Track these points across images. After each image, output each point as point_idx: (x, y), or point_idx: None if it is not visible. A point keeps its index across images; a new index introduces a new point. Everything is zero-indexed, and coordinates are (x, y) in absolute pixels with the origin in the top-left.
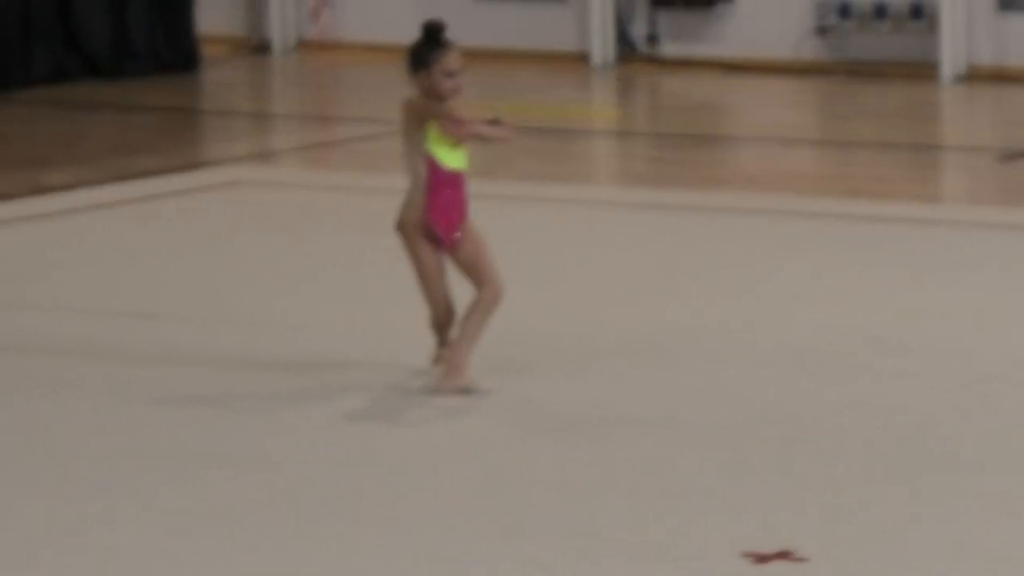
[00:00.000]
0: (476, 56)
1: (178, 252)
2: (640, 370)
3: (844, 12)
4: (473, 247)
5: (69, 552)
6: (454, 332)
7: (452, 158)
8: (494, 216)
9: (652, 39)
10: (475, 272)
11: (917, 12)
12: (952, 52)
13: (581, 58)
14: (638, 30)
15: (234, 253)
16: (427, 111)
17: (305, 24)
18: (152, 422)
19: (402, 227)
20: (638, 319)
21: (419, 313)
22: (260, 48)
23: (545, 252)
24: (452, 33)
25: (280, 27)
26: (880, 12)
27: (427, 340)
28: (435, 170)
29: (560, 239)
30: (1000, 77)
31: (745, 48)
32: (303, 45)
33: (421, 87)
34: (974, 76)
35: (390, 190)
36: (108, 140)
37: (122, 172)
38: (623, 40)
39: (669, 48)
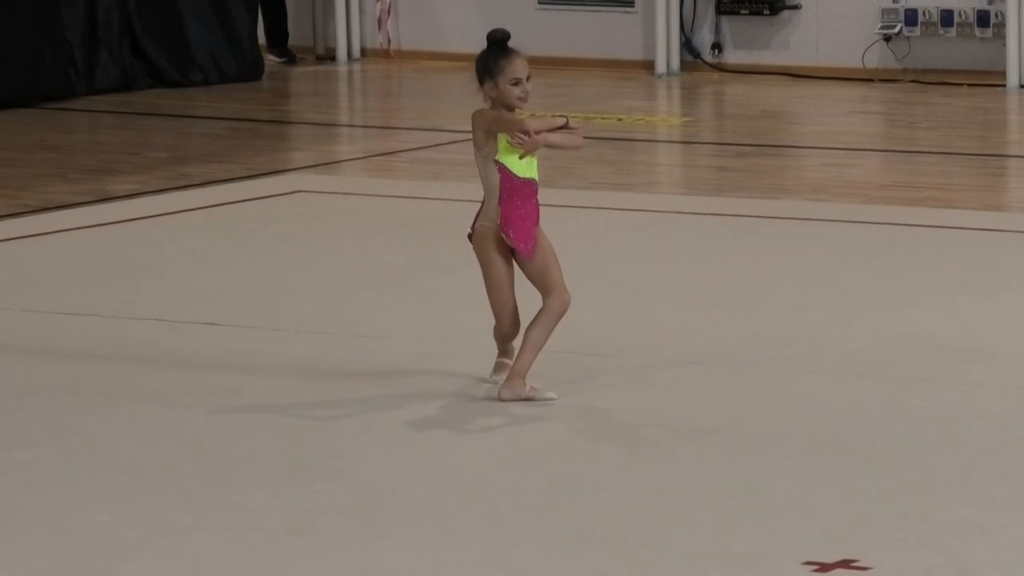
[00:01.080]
0: (540, 64)
1: (242, 259)
2: (708, 379)
3: (910, 19)
4: (543, 256)
5: (144, 562)
6: (518, 342)
7: (524, 167)
8: (560, 224)
9: (716, 47)
10: (544, 281)
11: (983, 20)
12: (1019, 59)
13: (646, 66)
14: (703, 39)
15: (298, 261)
16: (496, 122)
17: (371, 33)
18: (222, 430)
19: (476, 237)
20: (705, 328)
21: (483, 321)
22: (326, 57)
23: (611, 261)
24: (515, 41)
25: (345, 36)
26: (946, 20)
27: (491, 349)
28: (508, 179)
29: (625, 248)
30: None
31: (810, 56)
32: (368, 54)
33: (490, 97)
34: None
35: (453, 198)
36: (172, 148)
37: (186, 180)
38: (688, 47)
39: (733, 56)
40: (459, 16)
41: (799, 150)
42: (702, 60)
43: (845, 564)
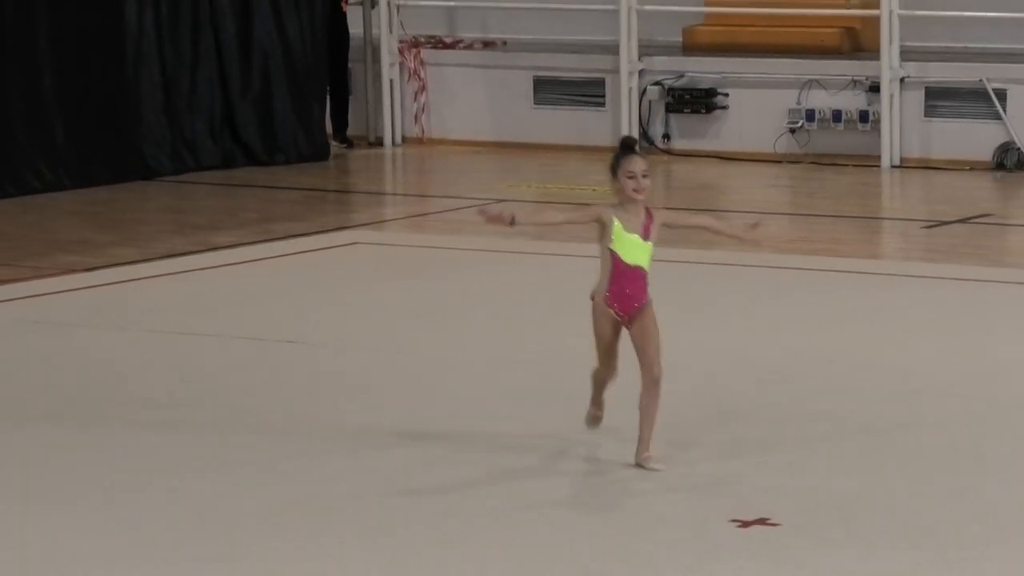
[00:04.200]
0: (536, 149)
1: (315, 295)
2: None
3: (810, 117)
4: (642, 331)
5: None
6: (607, 392)
7: (632, 255)
8: (549, 269)
9: (666, 136)
10: (641, 354)
11: (864, 117)
12: (890, 147)
13: (613, 150)
14: (656, 129)
15: (360, 296)
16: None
17: (409, 125)
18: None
19: (593, 307)
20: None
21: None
22: (376, 143)
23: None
24: (515, 131)
25: (390, 127)
26: (836, 117)
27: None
28: (617, 264)
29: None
30: (926, 166)
31: (735, 143)
32: (408, 140)
33: (614, 190)
34: (906, 165)
35: (470, 248)
36: (262, 211)
37: (272, 235)
38: (644, 137)
39: (679, 143)
40: (474, 112)
41: (728, 213)
42: (655, 146)
43: (761, 521)
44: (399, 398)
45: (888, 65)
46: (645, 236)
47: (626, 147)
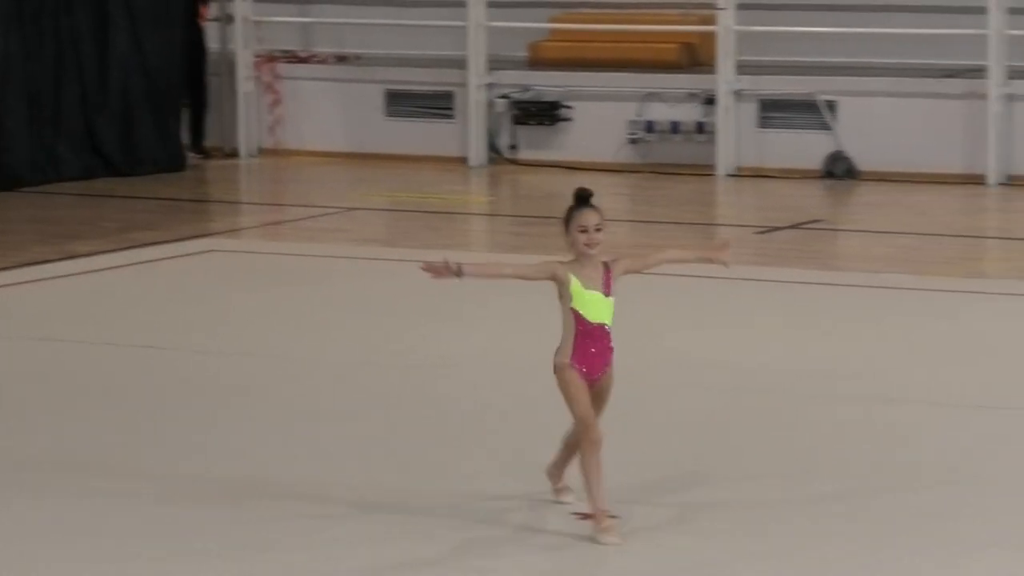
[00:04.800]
0: (387, 160)
1: (172, 302)
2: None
3: (649, 128)
4: (598, 395)
5: None
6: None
7: (595, 313)
8: (403, 275)
9: (513, 147)
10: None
11: (700, 128)
12: (725, 157)
13: (462, 160)
14: (503, 140)
15: (216, 302)
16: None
17: (265, 136)
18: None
19: (557, 368)
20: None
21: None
22: (232, 154)
23: (441, 300)
24: (365, 143)
25: (245, 138)
26: (675, 128)
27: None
28: (581, 323)
29: (457, 290)
30: (759, 175)
31: (579, 153)
32: (263, 151)
33: (567, 244)
34: (741, 174)
35: (322, 255)
36: (121, 221)
37: (132, 243)
38: (492, 148)
39: (526, 153)
40: (328, 124)
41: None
42: (502, 156)
43: (588, 516)
44: (251, 400)
45: (723, 79)
46: (607, 292)
47: (579, 200)
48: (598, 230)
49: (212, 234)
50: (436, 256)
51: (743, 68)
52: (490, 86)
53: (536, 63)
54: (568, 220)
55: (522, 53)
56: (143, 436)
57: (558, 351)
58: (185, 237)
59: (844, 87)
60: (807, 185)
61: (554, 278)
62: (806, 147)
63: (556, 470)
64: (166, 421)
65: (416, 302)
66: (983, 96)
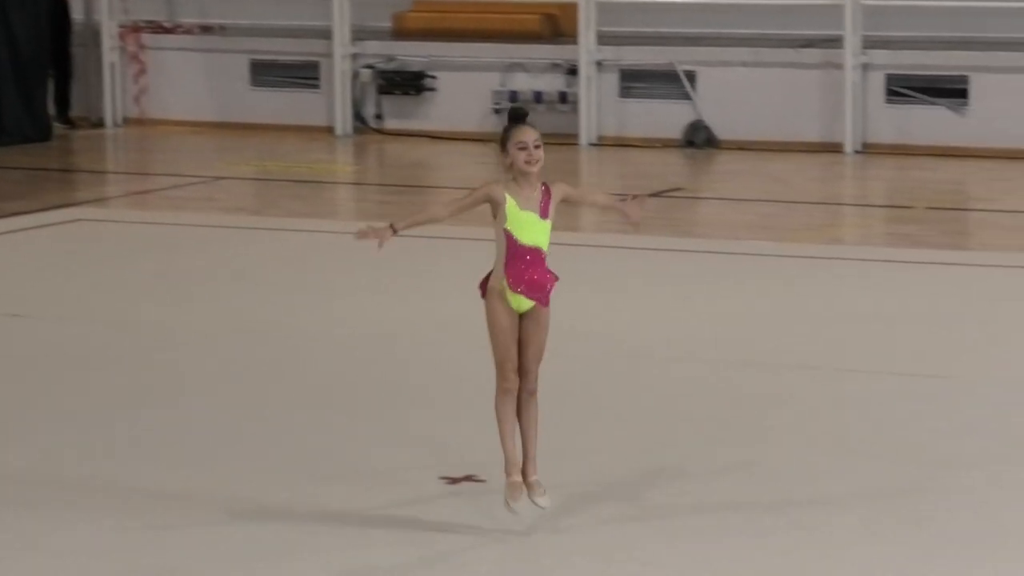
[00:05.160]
0: (252, 129)
1: (38, 271)
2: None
3: (513, 98)
4: (535, 324)
5: None
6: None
7: (529, 236)
8: (269, 243)
9: (378, 117)
10: (521, 353)
11: (563, 98)
12: (587, 126)
13: (328, 130)
14: (368, 110)
15: (82, 270)
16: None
17: (130, 106)
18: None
19: (487, 292)
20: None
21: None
22: (98, 124)
23: (312, 271)
24: (232, 111)
25: (111, 108)
26: (538, 98)
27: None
28: (512, 245)
29: (311, 264)
30: (621, 144)
31: (444, 123)
32: (128, 121)
33: (504, 166)
34: (603, 143)
35: (190, 224)
36: None
37: None
38: (358, 117)
39: (391, 123)
40: (193, 94)
41: (438, 189)
42: (368, 126)
43: (469, 478)
44: (120, 369)
45: (585, 49)
46: (543, 214)
47: (515, 117)
48: (537, 147)
49: (79, 203)
50: (357, 226)
51: (604, 39)
52: (355, 56)
53: (400, 33)
54: (504, 139)
55: (386, 24)
56: (10, 406)
57: (491, 273)
58: (52, 207)
59: (703, 57)
60: (668, 154)
61: (490, 199)
62: (666, 116)
63: (506, 444)
64: (32, 390)
65: (285, 271)
66: (839, 66)
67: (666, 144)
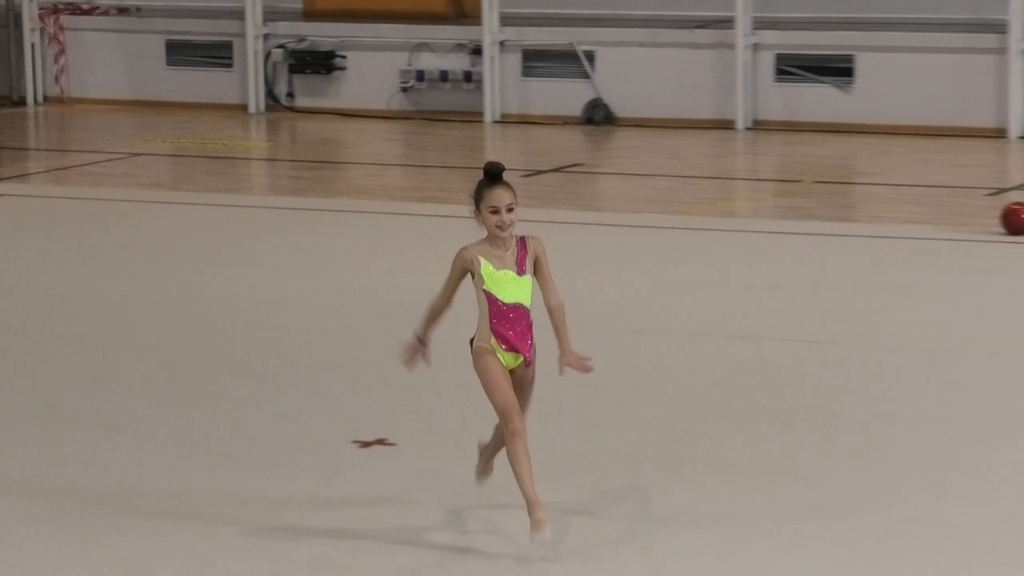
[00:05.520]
0: (170, 107)
1: None
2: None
3: (420, 77)
4: (520, 383)
5: None
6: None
7: (510, 294)
8: (186, 217)
9: (290, 95)
10: (523, 398)
11: (468, 77)
12: (491, 104)
13: (242, 108)
14: (281, 89)
15: (5, 244)
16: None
17: (51, 85)
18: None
19: (475, 352)
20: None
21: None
22: (19, 102)
23: (232, 239)
24: (146, 90)
25: (32, 87)
26: (444, 77)
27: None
28: (494, 305)
29: (238, 233)
30: (524, 121)
31: (354, 101)
32: (49, 100)
33: (478, 223)
34: (506, 121)
35: (108, 199)
36: None
37: None
38: (270, 96)
39: (302, 101)
40: (111, 73)
41: (349, 165)
42: (280, 104)
43: (380, 442)
44: (47, 338)
45: (489, 30)
46: (520, 271)
47: (490, 176)
48: (510, 210)
49: (1, 179)
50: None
51: (507, 20)
52: (267, 37)
53: (311, 14)
54: (478, 197)
55: (297, 5)
56: None
57: (475, 336)
58: None
59: (602, 38)
60: (568, 131)
61: (465, 270)
62: (567, 95)
63: (486, 454)
64: None
65: (200, 243)
66: (731, 46)
67: (566, 121)
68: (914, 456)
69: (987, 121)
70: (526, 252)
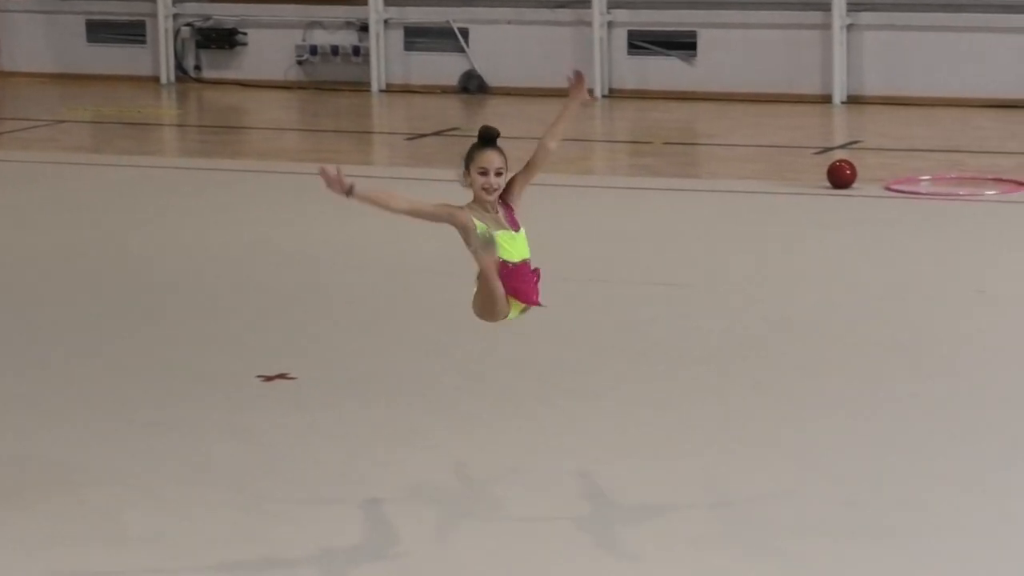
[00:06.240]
0: (90, 80)
1: None
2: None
3: (313, 52)
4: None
5: None
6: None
7: (512, 251)
8: (102, 178)
9: (198, 68)
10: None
11: (356, 51)
12: (377, 76)
13: (155, 80)
14: (189, 62)
15: None
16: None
17: None
18: None
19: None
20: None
21: None
22: None
23: (138, 203)
24: (72, 65)
25: None
26: (335, 51)
27: None
28: (503, 267)
29: (152, 191)
30: (407, 91)
31: (255, 73)
32: None
33: (465, 184)
34: (391, 90)
35: (39, 162)
36: None
37: None
38: (180, 69)
39: (208, 73)
40: (37, 50)
41: (250, 130)
42: (189, 76)
43: (282, 376)
44: None
45: (374, 9)
46: (515, 227)
47: (484, 139)
48: (498, 174)
49: None
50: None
51: (390, 0)
52: (176, 16)
53: None
54: (468, 158)
55: None
56: None
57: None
58: None
59: (474, 16)
60: (446, 99)
61: (456, 224)
62: (444, 67)
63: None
64: None
65: (119, 201)
66: (588, 23)
67: (444, 91)
68: (750, 385)
69: (814, 89)
70: (511, 208)
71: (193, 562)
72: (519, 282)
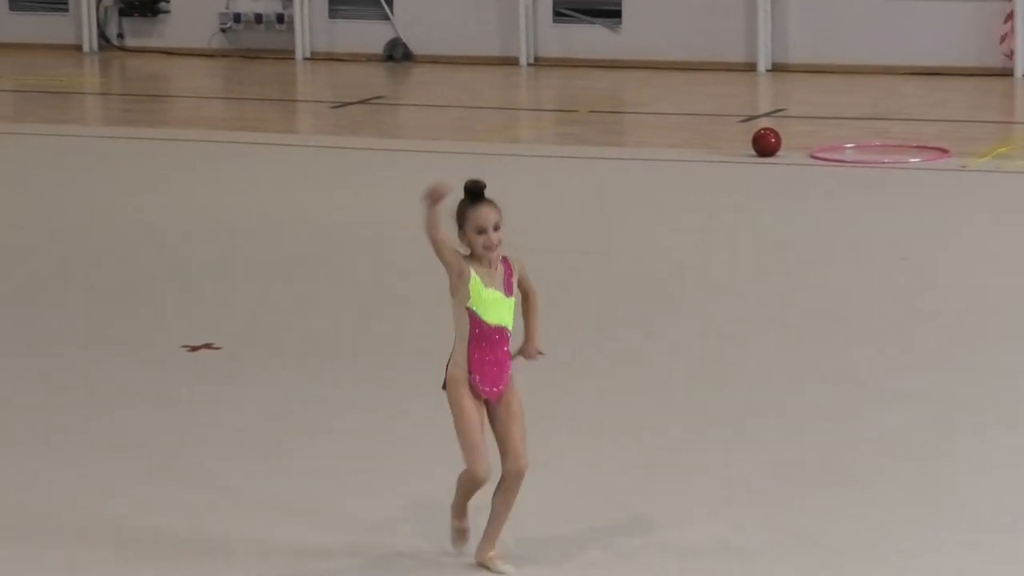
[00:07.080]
0: (12, 48)
1: None
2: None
3: (237, 19)
4: (507, 412)
5: None
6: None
7: (495, 315)
8: (24, 147)
9: (120, 36)
10: (504, 439)
11: (280, 19)
12: (302, 43)
13: (78, 48)
14: (112, 30)
15: None
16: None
17: None
18: None
19: (448, 382)
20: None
21: None
22: None
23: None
24: None
25: None
26: (259, 19)
27: None
28: (477, 325)
29: (75, 160)
30: (332, 59)
31: (178, 41)
32: None
33: (462, 242)
34: (316, 58)
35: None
36: None
37: None
38: (102, 36)
39: (131, 41)
40: None
41: (174, 98)
42: (112, 44)
43: (207, 346)
44: None
45: None
46: (508, 291)
47: (472, 195)
48: (496, 229)
49: None
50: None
51: None
52: None
53: None
54: (462, 217)
55: None
56: None
57: (451, 360)
58: None
59: None
60: (371, 67)
61: (459, 271)
62: (369, 35)
63: (457, 511)
64: None
65: (40, 169)
66: None
67: (370, 58)
68: (669, 348)
69: (738, 57)
70: (511, 272)
71: (111, 534)
72: (485, 349)
